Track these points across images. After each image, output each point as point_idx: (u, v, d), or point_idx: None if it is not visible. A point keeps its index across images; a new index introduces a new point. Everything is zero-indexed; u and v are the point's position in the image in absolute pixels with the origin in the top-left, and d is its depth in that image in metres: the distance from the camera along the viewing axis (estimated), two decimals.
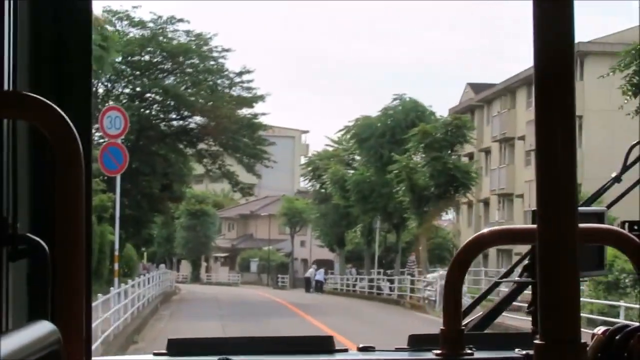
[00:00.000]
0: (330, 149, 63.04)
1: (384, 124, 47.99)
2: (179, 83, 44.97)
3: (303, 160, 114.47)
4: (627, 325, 1.92)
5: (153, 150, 46.33)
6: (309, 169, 63.42)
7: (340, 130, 51.12)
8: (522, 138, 52.11)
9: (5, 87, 1.59)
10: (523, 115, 51.26)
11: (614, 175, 3.09)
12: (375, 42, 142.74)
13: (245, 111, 46.92)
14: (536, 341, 1.26)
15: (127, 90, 45.59)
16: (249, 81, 45.93)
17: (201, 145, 47.03)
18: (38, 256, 1.48)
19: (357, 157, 57.97)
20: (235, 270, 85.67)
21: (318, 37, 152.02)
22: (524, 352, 2.06)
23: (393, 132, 47.26)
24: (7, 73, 1.60)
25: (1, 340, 1.13)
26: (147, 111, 45.80)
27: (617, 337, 1.89)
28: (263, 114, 47.59)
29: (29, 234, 1.53)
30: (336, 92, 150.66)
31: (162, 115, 46.35)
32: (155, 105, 45.95)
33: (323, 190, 62.51)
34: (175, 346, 2.21)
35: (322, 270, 62.92)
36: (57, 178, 1.38)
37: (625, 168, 3.05)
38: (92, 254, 2.30)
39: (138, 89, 45.49)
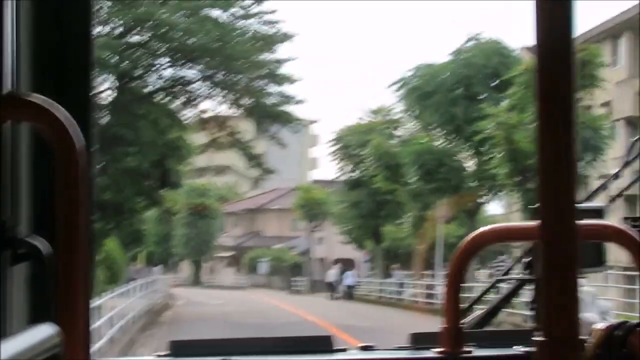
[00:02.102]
0: (363, 122, 48.43)
1: (455, 74, 33.45)
2: (172, 14, 30.23)
3: (313, 151, 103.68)
4: (627, 321, 1.88)
5: (139, 112, 31.77)
6: (337, 147, 48.83)
7: (394, 84, 36.37)
8: (607, 104, 37.79)
9: (7, 89, 1.54)
10: (605, 76, 37.08)
11: (614, 171, 2.98)
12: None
13: (264, 59, 32.09)
14: (536, 338, 1.23)
15: (105, 30, 30.85)
16: (270, 12, 31.20)
17: (204, 104, 32.41)
18: (39, 259, 1.42)
19: (399, 132, 43.66)
20: (241, 271, 73.45)
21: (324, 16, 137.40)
22: (524, 349, 2.03)
23: (468, 83, 32.82)
24: (8, 74, 1.55)
25: (3, 343, 1.11)
26: (131, 55, 31.12)
27: (616, 333, 1.85)
28: (289, 59, 32.42)
29: (29, 237, 1.47)
30: (348, 80, 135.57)
31: (149, 61, 31.65)
32: (141, 48, 31.23)
33: (354, 174, 48.18)
34: (177, 347, 2.17)
35: (351, 273, 48.34)
36: (57, 180, 1.33)
37: (626, 164, 2.98)
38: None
39: (119, 29, 30.82)
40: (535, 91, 1.22)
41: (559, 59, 1.20)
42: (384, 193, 45.48)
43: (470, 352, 2.01)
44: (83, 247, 1.34)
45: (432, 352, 2.03)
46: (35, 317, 1.53)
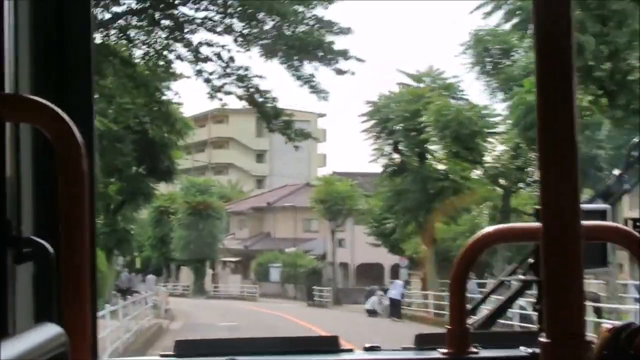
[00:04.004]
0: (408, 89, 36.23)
1: None
2: None
3: (321, 147, 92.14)
4: (633, 322, 1.81)
5: (102, 47, 19.87)
6: (373, 122, 36.61)
7: (483, 5, 24.11)
8: None
9: (7, 90, 1.50)
10: None
11: (616, 172, 2.94)
12: None
13: None
14: (542, 339, 1.21)
15: None
16: None
17: (202, 35, 20.31)
18: (43, 258, 1.41)
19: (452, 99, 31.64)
20: (249, 278, 62.27)
21: None
22: (529, 350, 1.99)
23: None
24: (8, 76, 1.51)
25: (9, 342, 1.11)
26: None
27: (622, 335, 1.78)
28: None
29: (33, 237, 1.47)
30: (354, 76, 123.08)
31: None
32: None
33: (396, 155, 36.10)
34: (182, 347, 2.09)
35: (399, 283, 36.17)
36: (60, 180, 1.32)
37: (628, 165, 2.91)
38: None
39: None
40: (536, 95, 1.16)
41: (559, 60, 1.14)
42: (437, 179, 33.56)
43: (476, 352, 1.96)
44: (86, 246, 1.30)
45: (438, 353, 1.99)
46: (41, 316, 1.50)
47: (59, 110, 1.30)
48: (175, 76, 23.18)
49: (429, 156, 34.54)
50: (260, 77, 21.20)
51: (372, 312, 36.48)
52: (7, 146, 1.48)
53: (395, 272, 53.36)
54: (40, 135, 1.36)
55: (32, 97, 1.37)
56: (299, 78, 20.56)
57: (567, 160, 1.17)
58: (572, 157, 1.17)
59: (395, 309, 34.73)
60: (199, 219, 58.62)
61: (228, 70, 21.06)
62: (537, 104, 1.18)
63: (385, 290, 38.06)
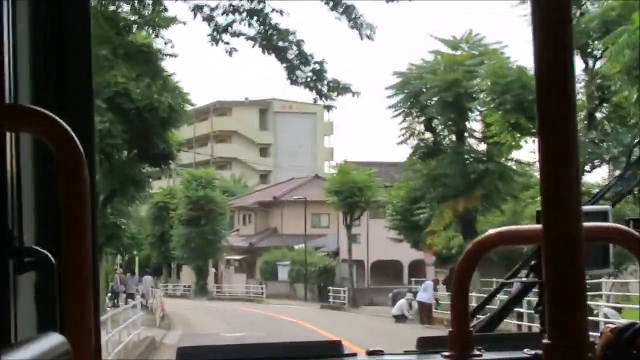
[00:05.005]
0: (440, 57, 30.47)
1: None
2: None
3: (328, 140, 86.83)
4: (635, 322, 1.79)
5: None
6: (402, 96, 30.88)
7: None
8: None
9: (7, 100, 1.50)
10: None
11: (617, 173, 2.88)
12: None
13: None
14: (544, 341, 1.20)
15: None
16: None
17: None
18: (45, 268, 1.41)
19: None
20: (255, 277, 57.50)
21: None
22: (532, 352, 1.97)
23: None
24: (7, 85, 1.50)
25: (11, 352, 1.11)
26: None
27: (625, 335, 1.76)
28: None
29: (34, 246, 1.48)
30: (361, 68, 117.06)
31: None
32: None
33: (430, 135, 30.49)
34: (185, 355, 2.08)
35: (429, 284, 30.37)
36: (61, 189, 1.31)
37: (628, 166, 2.89)
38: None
39: None
40: (536, 92, 1.15)
41: (559, 58, 1.11)
42: (478, 160, 27.99)
43: (479, 355, 1.94)
44: (88, 254, 1.30)
45: (441, 356, 1.97)
46: (43, 325, 1.49)
47: (59, 119, 1.28)
48: (167, 20, 17.44)
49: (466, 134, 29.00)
50: (281, 12, 15.42)
51: (400, 318, 30.77)
52: (8, 155, 1.46)
53: (413, 270, 48.10)
54: (41, 143, 1.34)
55: (31, 106, 1.36)
56: (334, 8, 14.83)
57: (568, 160, 1.11)
58: (573, 156, 1.12)
59: (428, 314, 29.11)
60: (200, 215, 54.03)
61: (236, 4, 15.26)
62: (537, 105, 1.13)
63: (414, 292, 32.37)
